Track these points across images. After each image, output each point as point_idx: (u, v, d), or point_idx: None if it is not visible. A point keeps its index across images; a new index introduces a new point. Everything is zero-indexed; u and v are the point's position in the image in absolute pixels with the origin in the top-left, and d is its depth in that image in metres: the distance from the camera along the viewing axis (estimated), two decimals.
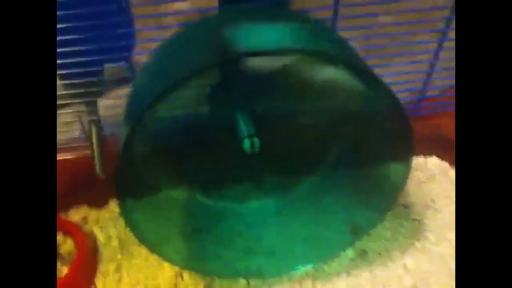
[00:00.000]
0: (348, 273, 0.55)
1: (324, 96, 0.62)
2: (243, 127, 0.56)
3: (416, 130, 0.71)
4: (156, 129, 0.63)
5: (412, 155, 0.50)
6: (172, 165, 0.64)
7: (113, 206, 0.67)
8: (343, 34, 0.52)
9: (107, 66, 0.78)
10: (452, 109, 0.73)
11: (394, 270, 0.55)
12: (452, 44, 0.68)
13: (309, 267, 0.57)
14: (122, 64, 0.75)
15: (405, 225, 0.59)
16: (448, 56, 0.70)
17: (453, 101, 0.73)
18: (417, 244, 0.57)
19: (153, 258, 0.60)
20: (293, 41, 0.44)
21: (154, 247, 0.54)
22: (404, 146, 0.50)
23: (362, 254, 0.57)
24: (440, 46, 0.68)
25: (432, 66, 0.70)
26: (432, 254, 0.56)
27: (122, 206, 0.49)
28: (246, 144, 0.55)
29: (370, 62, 0.62)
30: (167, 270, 0.59)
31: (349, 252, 0.57)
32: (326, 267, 0.56)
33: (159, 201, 0.62)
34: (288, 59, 0.57)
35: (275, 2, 0.59)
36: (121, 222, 0.66)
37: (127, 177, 0.50)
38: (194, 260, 0.58)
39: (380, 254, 0.57)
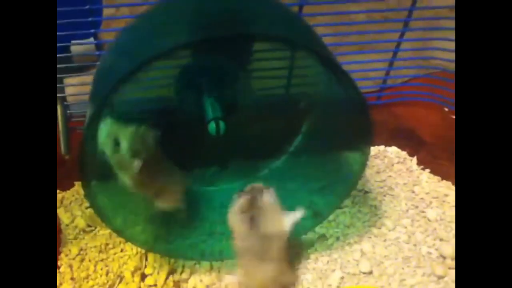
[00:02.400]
0: (307, 257, 0.56)
1: (292, 83, 0.62)
2: (209, 110, 0.55)
3: (378, 120, 0.72)
4: (124, 111, 0.62)
5: (369, 145, 0.51)
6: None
7: (78, 187, 0.65)
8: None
9: (74, 42, 0.75)
10: (412, 99, 0.74)
11: (351, 255, 0.55)
12: (414, 34, 0.69)
13: None
14: (90, 41, 0.72)
15: (363, 211, 0.60)
16: (410, 46, 0.71)
17: (413, 90, 0.75)
18: (374, 230, 0.58)
19: (118, 240, 0.59)
20: (259, 26, 0.43)
21: (119, 230, 0.53)
22: (363, 136, 0.50)
23: (322, 239, 0.57)
24: (401, 36, 0.68)
25: (394, 56, 0.71)
26: (387, 240, 0.57)
27: (86, 188, 0.48)
28: (211, 126, 0.54)
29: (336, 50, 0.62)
30: (132, 252, 0.58)
31: (310, 237, 0.58)
32: None
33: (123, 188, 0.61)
34: (259, 45, 0.56)
35: None
36: (86, 203, 0.64)
37: (92, 159, 0.49)
38: (159, 243, 0.57)
39: (338, 239, 0.57)
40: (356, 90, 0.46)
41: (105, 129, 0.49)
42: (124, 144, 0.49)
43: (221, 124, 0.56)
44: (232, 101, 0.60)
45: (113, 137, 0.49)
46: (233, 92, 0.61)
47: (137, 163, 0.49)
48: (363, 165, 0.52)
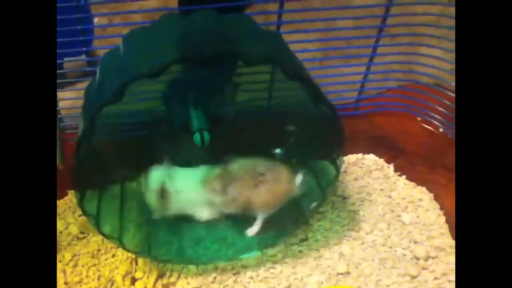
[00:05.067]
0: (288, 258, 0.57)
1: (273, 96, 0.64)
2: (195, 121, 0.57)
3: (356, 129, 0.75)
4: (115, 123, 0.63)
5: (341, 156, 0.53)
6: (130, 158, 0.64)
7: (71, 196, 0.67)
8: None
9: (67, 59, 0.77)
10: (388, 109, 0.77)
11: (330, 257, 0.57)
12: (386, 50, 0.72)
13: (256, 254, 0.58)
14: (82, 58, 0.74)
15: (342, 216, 0.62)
16: (384, 60, 0.73)
17: (389, 101, 0.77)
18: (352, 233, 0.60)
19: (110, 246, 0.60)
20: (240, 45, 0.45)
21: (110, 236, 0.54)
22: (335, 148, 0.52)
23: (302, 242, 0.59)
24: (374, 51, 0.71)
25: (368, 69, 0.73)
26: (365, 243, 0.59)
27: (79, 197, 0.49)
28: (196, 137, 0.56)
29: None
30: (123, 257, 0.59)
31: (292, 239, 0.59)
32: (268, 253, 0.58)
33: (116, 192, 0.62)
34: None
35: (230, 7, 0.60)
36: (79, 211, 0.65)
37: (84, 168, 0.50)
38: (148, 248, 0.58)
39: (318, 241, 0.59)
40: (326, 103, 0.48)
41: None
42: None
43: (206, 135, 0.58)
44: (217, 113, 0.62)
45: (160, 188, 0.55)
46: (219, 104, 0.63)
47: None
48: (337, 174, 0.54)
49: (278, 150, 0.64)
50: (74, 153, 0.46)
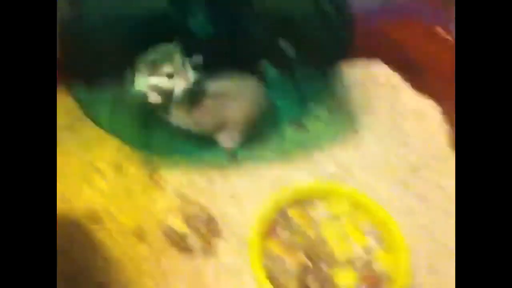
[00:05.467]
0: (278, 158, 0.56)
1: None
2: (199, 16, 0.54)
3: (366, 35, 0.69)
4: (111, 18, 0.60)
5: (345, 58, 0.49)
6: (126, 55, 0.61)
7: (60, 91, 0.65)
8: None
9: None
10: (403, 17, 0.71)
11: (322, 158, 0.56)
12: None
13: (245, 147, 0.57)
14: None
15: (339, 119, 0.59)
16: None
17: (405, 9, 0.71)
18: (349, 137, 0.57)
19: (99, 135, 0.59)
20: None
21: (106, 128, 0.53)
22: (343, 50, 0.49)
23: (295, 143, 0.57)
24: None
25: None
26: (360, 147, 0.56)
27: (73, 92, 0.48)
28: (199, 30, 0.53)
29: None
30: (111, 147, 0.58)
31: (284, 139, 0.58)
32: (261, 149, 0.57)
33: (113, 91, 0.60)
34: None
35: None
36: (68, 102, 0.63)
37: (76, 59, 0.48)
38: (143, 145, 0.57)
39: (311, 142, 0.57)
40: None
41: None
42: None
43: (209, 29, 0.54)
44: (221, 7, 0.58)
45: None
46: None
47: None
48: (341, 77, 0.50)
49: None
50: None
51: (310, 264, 0.44)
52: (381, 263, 0.44)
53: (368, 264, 0.45)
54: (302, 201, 0.48)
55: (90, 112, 0.52)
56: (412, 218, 0.50)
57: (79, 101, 0.50)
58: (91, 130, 0.59)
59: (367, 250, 0.45)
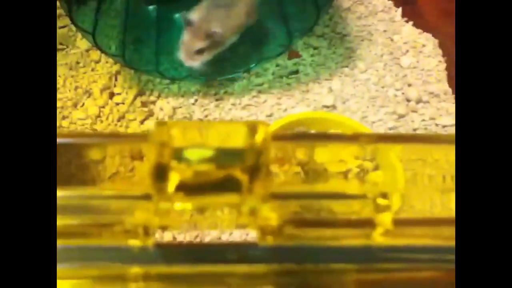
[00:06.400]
0: (274, 89, 0.54)
1: None
2: None
3: None
4: None
5: None
6: None
7: None
8: None
9: None
10: None
11: (318, 91, 0.54)
12: None
13: (239, 73, 0.55)
14: None
15: (338, 52, 0.57)
16: None
17: None
18: (346, 70, 0.56)
19: (89, 59, 0.57)
20: None
21: (96, 41, 0.50)
22: None
23: (291, 74, 0.56)
24: None
25: None
26: (357, 80, 0.55)
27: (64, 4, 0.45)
28: None
29: None
30: (102, 71, 0.56)
31: (281, 71, 0.56)
32: (254, 81, 0.55)
33: (103, 8, 0.57)
34: None
35: None
36: (60, 23, 0.60)
37: None
38: (133, 61, 0.55)
39: (307, 75, 0.55)
40: None
41: None
42: None
43: None
44: None
45: None
46: None
47: None
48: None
49: None
50: None
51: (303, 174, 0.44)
52: (375, 179, 0.44)
53: (361, 178, 0.45)
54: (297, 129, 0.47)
55: (81, 25, 0.49)
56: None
57: (72, 14, 0.47)
58: (80, 52, 0.58)
59: (361, 168, 0.45)
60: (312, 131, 0.47)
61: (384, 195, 0.18)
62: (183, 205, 0.17)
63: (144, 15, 0.58)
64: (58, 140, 0.18)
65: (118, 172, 0.46)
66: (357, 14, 0.61)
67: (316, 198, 0.19)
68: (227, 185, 0.17)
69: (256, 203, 0.17)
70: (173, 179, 0.17)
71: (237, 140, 0.18)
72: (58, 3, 0.46)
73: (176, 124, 0.18)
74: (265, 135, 0.18)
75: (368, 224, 0.19)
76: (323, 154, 0.45)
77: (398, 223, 0.19)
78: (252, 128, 0.18)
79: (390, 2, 0.64)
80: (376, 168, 0.45)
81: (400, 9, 0.63)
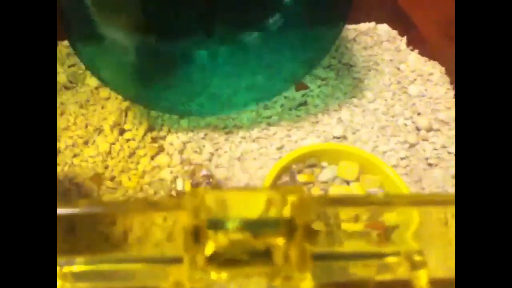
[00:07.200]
0: (284, 121, 0.54)
1: None
2: None
3: None
4: None
5: (344, 19, 0.47)
6: (125, 11, 0.58)
7: (62, 47, 0.62)
8: None
9: None
10: None
11: (328, 122, 0.54)
12: None
13: (252, 107, 0.55)
14: None
15: (346, 83, 0.58)
16: None
17: None
18: (354, 101, 0.56)
19: (99, 97, 0.57)
20: None
21: (104, 79, 0.50)
22: (340, 8, 0.46)
23: (300, 106, 0.56)
24: None
25: None
26: (366, 110, 0.55)
27: (73, 43, 0.45)
28: None
29: None
30: (112, 108, 0.56)
31: (290, 103, 0.56)
32: (263, 114, 0.55)
33: (110, 46, 0.57)
34: None
35: None
36: (69, 62, 0.61)
37: (76, 15, 0.46)
38: (142, 98, 0.55)
39: (316, 106, 0.55)
40: None
41: None
42: None
43: None
44: None
45: None
46: None
47: None
48: (336, 36, 0.49)
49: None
50: None
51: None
52: (388, 216, 0.44)
53: (374, 217, 0.44)
54: (310, 163, 0.47)
55: (90, 64, 0.50)
56: (420, 184, 0.49)
57: (80, 54, 0.48)
58: (91, 90, 0.58)
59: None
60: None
61: (420, 252, 0.18)
62: (219, 274, 0.17)
63: (151, 52, 0.58)
64: (82, 210, 0.18)
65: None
66: (363, 44, 0.62)
67: (351, 259, 0.18)
68: (262, 254, 0.17)
69: (291, 271, 0.17)
70: (209, 248, 0.17)
71: (271, 208, 0.17)
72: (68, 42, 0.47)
73: (209, 192, 0.17)
74: (299, 202, 0.17)
75: (404, 285, 0.18)
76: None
77: (434, 282, 0.18)
78: (287, 195, 0.18)
79: (394, 31, 0.64)
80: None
81: (404, 38, 0.64)
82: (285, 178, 0.46)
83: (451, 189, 0.48)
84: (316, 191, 0.45)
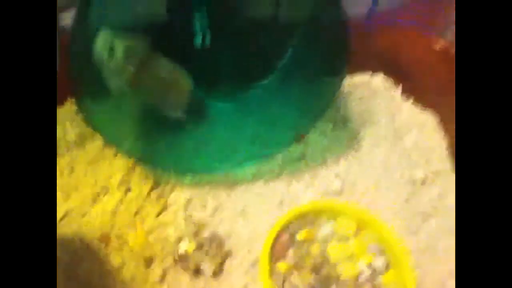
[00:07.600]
0: (283, 175, 0.56)
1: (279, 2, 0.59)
2: (197, 23, 0.53)
3: (366, 46, 0.69)
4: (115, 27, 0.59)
5: (343, 71, 0.49)
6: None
7: (71, 104, 0.65)
8: None
9: None
10: (401, 25, 0.71)
11: (326, 175, 0.56)
12: None
13: (253, 163, 0.57)
14: None
15: (343, 135, 0.59)
16: None
17: (402, 18, 0.71)
18: (351, 153, 0.58)
19: (107, 153, 0.60)
20: None
21: (110, 139, 0.53)
22: (339, 62, 0.49)
23: (299, 159, 0.58)
24: None
25: None
26: (363, 163, 0.57)
27: (79, 102, 0.48)
28: (198, 39, 0.52)
29: None
30: (120, 166, 0.59)
31: (288, 157, 0.58)
32: (264, 168, 0.57)
33: (116, 102, 0.60)
34: None
35: None
36: (78, 119, 0.64)
37: (83, 74, 0.48)
38: (146, 157, 0.57)
39: (314, 159, 0.57)
40: (340, 12, 0.44)
41: (102, 38, 0.48)
42: (119, 50, 0.48)
43: (207, 37, 0.54)
44: (221, 17, 0.58)
45: (109, 45, 0.48)
46: (223, 8, 0.58)
47: (131, 67, 0.48)
48: (337, 90, 0.50)
49: None
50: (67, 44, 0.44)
51: (318, 284, 0.45)
52: (386, 279, 0.45)
53: (372, 280, 0.45)
54: (310, 221, 0.49)
55: (95, 123, 0.52)
56: (416, 238, 0.50)
57: (86, 112, 0.50)
58: (99, 147, 0.61)
59: (372, 267, 0.46)
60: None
61: None
62: None
63: (155, 112, 0.61)
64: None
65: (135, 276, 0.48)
66: (358, 95, 0.64)
67: None
68: None
69: None
70: None
71: None
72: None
73: None
74: None
75: None
76: (336, 252, 0.46)
77: None
78: None
79: (389, 81, 0.66)
80: (387, 267, 0.45)
81: (400, 87, 0.66)
82: (285, 236, 0.48)
83: (448, 245, 0.49)
84: (315, 249, 0.47)
